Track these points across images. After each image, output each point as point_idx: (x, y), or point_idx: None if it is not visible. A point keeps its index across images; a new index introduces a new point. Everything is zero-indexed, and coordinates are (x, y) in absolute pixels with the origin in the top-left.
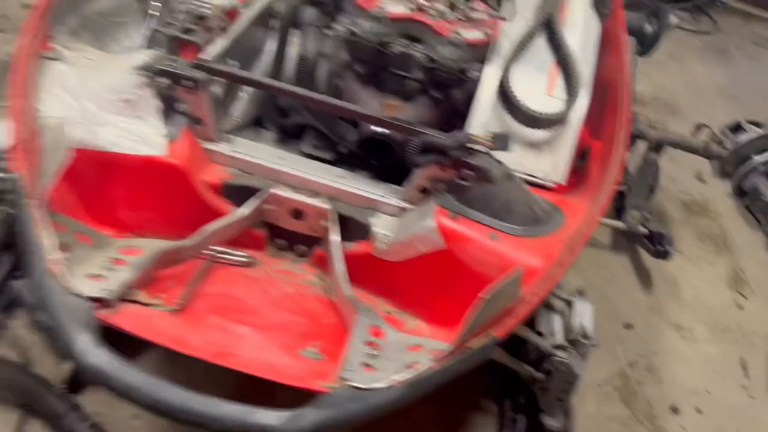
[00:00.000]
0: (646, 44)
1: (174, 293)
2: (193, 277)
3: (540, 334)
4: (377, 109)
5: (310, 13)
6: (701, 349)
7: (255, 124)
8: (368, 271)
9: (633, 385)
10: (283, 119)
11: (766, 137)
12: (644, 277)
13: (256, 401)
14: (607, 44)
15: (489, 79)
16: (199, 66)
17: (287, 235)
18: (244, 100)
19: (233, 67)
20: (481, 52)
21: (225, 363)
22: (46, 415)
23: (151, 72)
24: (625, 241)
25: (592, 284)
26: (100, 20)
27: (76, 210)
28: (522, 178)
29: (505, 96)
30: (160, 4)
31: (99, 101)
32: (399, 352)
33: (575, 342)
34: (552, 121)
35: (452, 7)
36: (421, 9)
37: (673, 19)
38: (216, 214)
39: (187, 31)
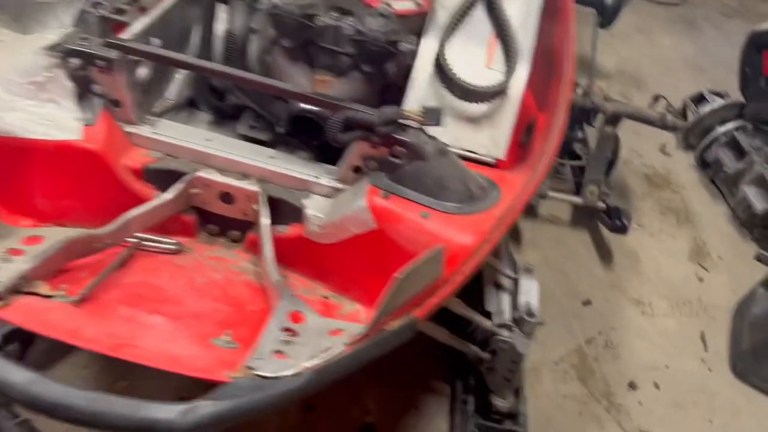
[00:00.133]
0: (606, 16)
1: (82, 284)
2: (107, 267)
3: (488, 313)
4: (307, 85)
5: None
6: (660, 323)
7: (191, 105)
8: (303, 255)
9: (590, 363)
10: (219, 101)
11: (728, 107)
12: (604, 253)
13: None
14: (554, 13)
15: (426, 53)
16: (113, 44)
17: (219, 221)
18: (178, 82)
19: (153, 47)
20: (413, 24)
21: (122, 355)
22: None
23: (62, 52)
24: (585, 216)
25: (550, 261)
26: (20, 0)
27: None
28: (461, 154)
29: (441, 70)
30: None
31: (7, 85)
32: (318, 338)
33: (520, 320)
34: (490, 94)
35: None
36: None
37: None
38: (139, 200)
39: (119, 11)
